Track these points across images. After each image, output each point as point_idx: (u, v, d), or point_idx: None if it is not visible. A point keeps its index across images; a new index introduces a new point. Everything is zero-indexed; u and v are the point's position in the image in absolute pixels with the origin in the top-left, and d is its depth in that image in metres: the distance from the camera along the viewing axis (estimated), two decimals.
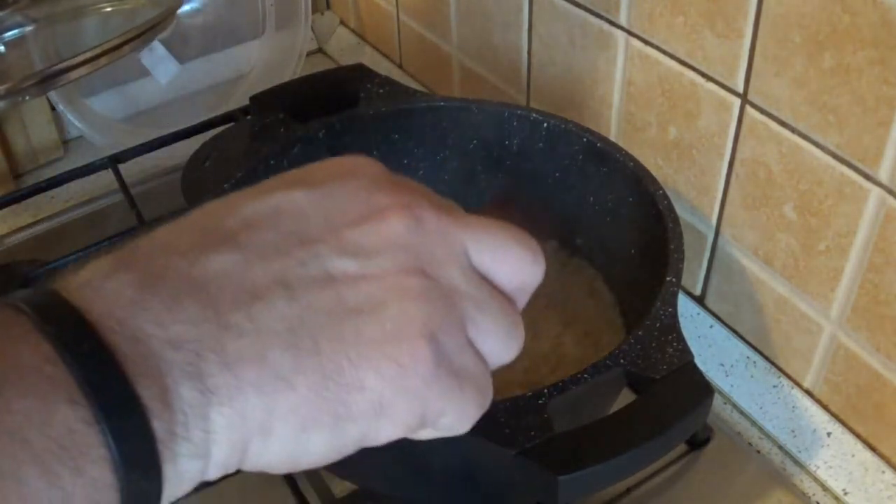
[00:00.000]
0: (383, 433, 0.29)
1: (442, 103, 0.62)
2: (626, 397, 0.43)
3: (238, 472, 0.29)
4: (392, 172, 0.32)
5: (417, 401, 0.29)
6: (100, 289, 0.27)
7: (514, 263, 0.32)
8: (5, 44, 0.66)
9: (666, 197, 0.52)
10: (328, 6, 1.00)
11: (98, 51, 0.51)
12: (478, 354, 0.31)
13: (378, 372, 0.28)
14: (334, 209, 0.30)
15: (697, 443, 0.57)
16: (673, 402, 0.42)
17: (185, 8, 0.84)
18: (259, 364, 0.27)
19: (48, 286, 0.27)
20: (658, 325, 0.45)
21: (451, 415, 0.30)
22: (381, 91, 0.62)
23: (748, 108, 0.54)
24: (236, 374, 0.27)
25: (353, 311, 0.28)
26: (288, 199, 0.30)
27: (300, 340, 0.28)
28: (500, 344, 0.31)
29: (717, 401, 0.59)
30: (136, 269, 0.27)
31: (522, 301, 0.33)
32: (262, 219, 0.29)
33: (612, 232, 0.57)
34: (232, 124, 0.69)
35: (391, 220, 0.30)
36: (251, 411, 0.27)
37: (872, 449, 0.55)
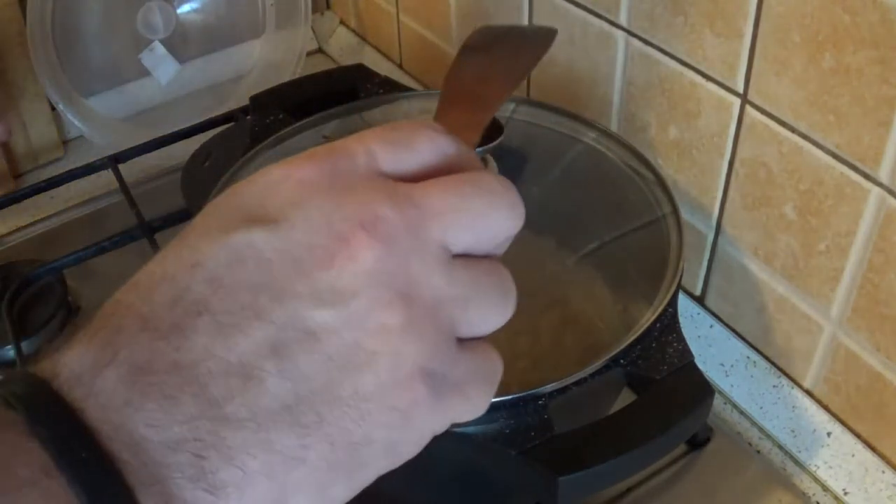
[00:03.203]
0: (399, 461, 0.30)
1: None
2: (626, 397, 0.43)
3: None
4: (332, 155, 0.30)
5: (427, 428, 0.29)
6: (91, 387, 0.26)
7: (495, 227, 0.30)
8: None
9: (665, 196, 0.52)
10: (328, 6, 1.00)
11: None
12: (475, 353, 0.30)
13: (383, 424, 0.28)
14: (298, 248, 0.28)
15: (697, 443, 0.57)
16: (673, 402, 0.42)
17: (185, 8, 0.84)
18: (265, 451, 0.26)
19: (37, 374, 0.26)
20: (658, 325, 0.45)
21: (464, 416, 0.30)
22: (381, 91, 0.62)
23: (748, 108, 0.54)
24: (242, 467, 0.26)
25: (345, 368, 0.27)
26: (247, 244, 0.28)
27: (301, 415, 0.27)
28: (494, 319, 0.30)
29: (717, 401, 0.59)
30: (122, 359, 0.26)
31: (505, 247, 0.32)
32: (226, 274, 0.28)
33: (612, 232, 0.57)
34: (232, 124, 0.69)
35: (358, 254, 0.28)
36: (264, 495, 0.26)
37: (872, 449, 0.55)
